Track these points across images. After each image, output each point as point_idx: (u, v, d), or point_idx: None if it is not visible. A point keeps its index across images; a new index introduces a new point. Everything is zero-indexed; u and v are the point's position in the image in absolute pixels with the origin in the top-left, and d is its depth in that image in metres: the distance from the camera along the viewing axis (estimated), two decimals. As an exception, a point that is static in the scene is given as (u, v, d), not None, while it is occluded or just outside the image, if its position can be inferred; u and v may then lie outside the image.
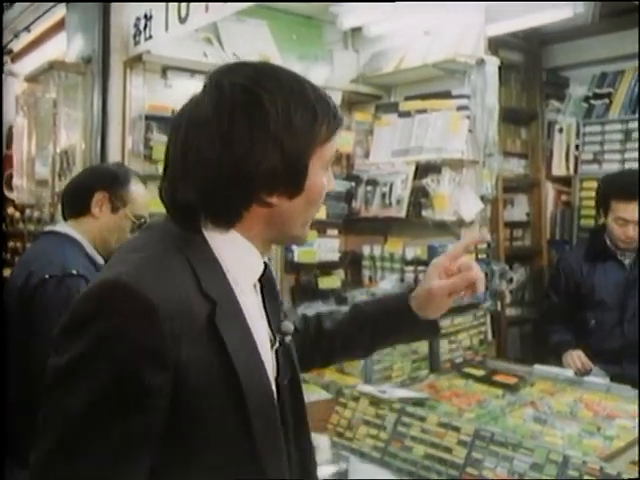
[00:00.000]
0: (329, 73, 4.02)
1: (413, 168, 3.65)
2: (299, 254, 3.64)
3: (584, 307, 3.46)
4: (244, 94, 1.12)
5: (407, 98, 3.95)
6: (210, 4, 2.68)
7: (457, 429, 2.48)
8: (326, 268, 3.89)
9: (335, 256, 3.86)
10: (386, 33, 3.97)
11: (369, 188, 3.83)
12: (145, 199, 2.47)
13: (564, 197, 4.73)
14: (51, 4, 3.92)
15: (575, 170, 4.53)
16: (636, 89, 4.28)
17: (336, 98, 3.88)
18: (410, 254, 3.68)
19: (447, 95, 3.70)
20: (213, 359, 1.07)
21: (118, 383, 0.99)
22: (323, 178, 1.22)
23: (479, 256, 3.48)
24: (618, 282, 3.39)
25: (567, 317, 3.52)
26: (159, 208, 1.24)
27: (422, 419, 2.57)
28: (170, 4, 2.92)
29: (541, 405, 2.80)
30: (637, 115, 4.21)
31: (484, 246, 3.52)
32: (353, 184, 3.87)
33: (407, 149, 3.78)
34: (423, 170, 3.64)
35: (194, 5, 2.78)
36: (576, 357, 3.33)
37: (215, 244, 1.17)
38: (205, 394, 1.06)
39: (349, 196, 3.85)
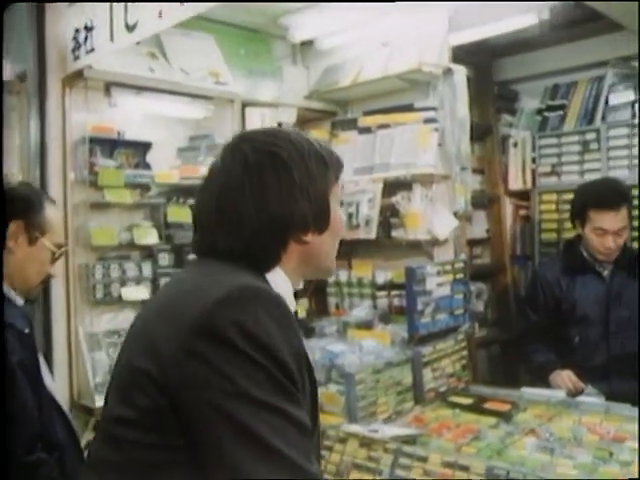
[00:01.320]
0: (279, 89, 3.78)
1: (380, 186, 3.43)
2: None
3: (566, 324, 3.29)
4: (266, 155, 1.32)
5: (366, 113, 3.75)
6: (164, 8, 2.39)
7: (465, 468, 2.24)
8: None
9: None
10: (339, 46, 3.78)
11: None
12: (61, 224, 2.21)
13: (522, 212, 4.61)
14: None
15: (533, 184, 4.42)
16: (591, 100, 4.21)
17: (290, 115, 3.66)
18: (381, 278, 3.46)
19: (409, 108, 3.53)
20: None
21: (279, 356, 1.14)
22: (340, 212, 1.46)
23: (457, 276, 3.28)
24: (599, 295, 3.24)
25: (548, 335, 3.34)
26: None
27: (423, 459, 2.32)
28: (116, 12, 2.63)
29: (542, 432, 2.60)
30: (593, 125, 4.14)
31: (461, 265, 3.32)
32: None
33: (371, 166, 3.57)
34: (392, 187, 3.43)
35: (144, 11, 2.49)
36: (566, 377, 3.15)
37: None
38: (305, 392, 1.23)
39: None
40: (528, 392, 3.07)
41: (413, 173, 3.35)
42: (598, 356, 3.20)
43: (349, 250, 3.74)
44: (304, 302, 3.68)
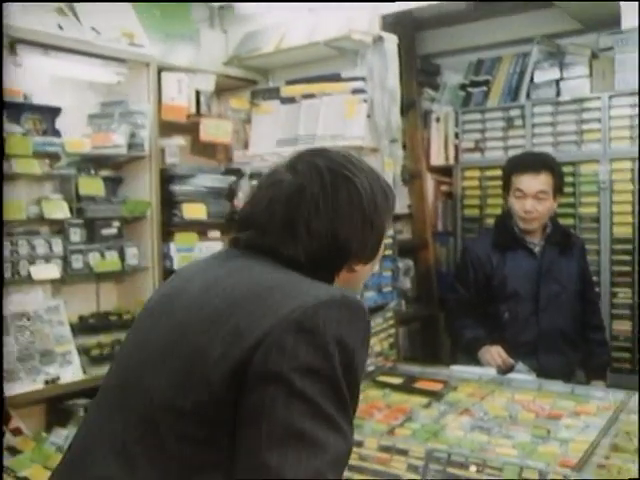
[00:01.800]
0: (197, 54, 3.54)
1: (305, 158, 3.26)
2: (179, 261, 3.15)
3: (496, 299, 3.24)
4: (342, 179, 1.34)
5: (289, 82, 3.56)
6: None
7: (404, 452, 2.14)
8: (209, 275, 3.42)
9: (219, 261, 3.39)
10: (261, 10, 3.56)
11: (254, 182, 3.41)
12: None
13: (444, 187, 4.55)
14: None
15: (456, 159, 4.36)
16: (515, 76, 4.17)
17: (208, 82, 3.45)
18: (304, 254, 3.30)
19: (337, 78, 3.36)
20: None
21: (360, 373, 1.20)
22: (383, 246, 1.48)
23: (385, 253, 3.16)
24: (530, 271, 3.20)
25: (478, 311, 3.29)
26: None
27: (358, 444, 2.20)
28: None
29: (476, 411, 2.54)
30: (517, 102, 4.11)
31: (389, 241, 3.22)
32: (234, 178, 3.42)
33: (295, 138, 3.40)
34: (317, 160, 3.26)
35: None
36: (495, 353, 3.11)
37: None
38: None
39: (231, 192, 3.40)
40: (458, 370, 3.02)
41: (341, 145, 3.20)
42: (528, 332, 3.18)
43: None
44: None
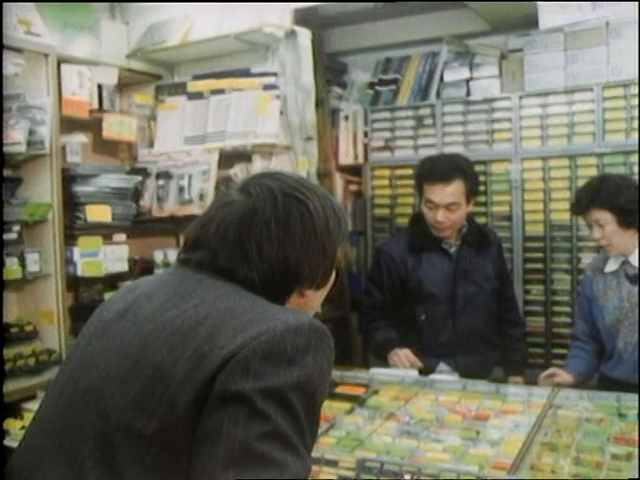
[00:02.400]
0: (97, 46, 3.33)
1: (216, 157, 3.13)
2: (83, 267, 2.95)
3: (412, 302, 3.19)
4: (295, 201, 1.31)
5: (196, 77, 3.41)
6: None
7: (334, 463, 2.04)
8: (113, 281, 3.22)
9: (124, 266, 3.20)
10: (166, 1, 3.39)
11: (161, 182, 3.25)
12: None
13: (353, 187, 4.49)
14: None
15: (365, 158, 4.31)
16: (424, 75, 4.16)
17: (111, 76, 3.26)
18: (217, 257, 3.16)
19: (246, 73, 3.24)
20: None
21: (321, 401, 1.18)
22: (334, 272, 1.44)
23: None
24: (446, 273, 3.16)
25: (392, 314, 3.23)
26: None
27: (283, 456, 2.08)
28: None
29: (401, 416, 2.45)
30: (427, 101, 4.10)
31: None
32: (140, 178, 3.24)
33: (204, 135, 3.26)
34: (228, 159, 3.15)
35: None
36: (403, 356, 3.05)
37: None
38: None
39: (137, 193, 3.22)
40: (379, 372, 2.93)
41: (253, 143, 3.08)
42: (444, 334, 3.14)
43: (178, 227, 3.41)
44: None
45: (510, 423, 2.31)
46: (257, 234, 1.28)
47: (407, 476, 1.96)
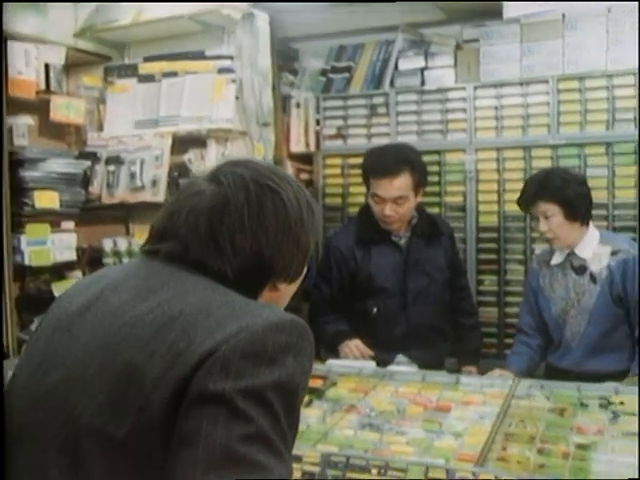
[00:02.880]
0: (43, 23, 3.18)
1: (169, 142, 3.04)
2: (31, 255, 2.82)
3: (362, 296, 3.15)
4: (269, 191, 1.26)
5: (147, 59, 3.30)
6: None
7: (297, 458, 1.99)
8: (61, 270, 3.10)
9: (72, 254, 3.08)
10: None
11: (111, 168, 3.14)
12: None
13: (304, 175, 4.43)
14: None
15: (317, 146, 4.26)
16: (378, 64, 4.13)
17: (58, 56, 3.12)
18: (168, 245, 3.07)
19: (200, 56, 3.16)
20: None
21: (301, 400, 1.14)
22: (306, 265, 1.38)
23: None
24: (396, 266, 3.13)
25: (342, 308, 3.19)
26: None
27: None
28: None
29: (362, 408, 2.42)
30: (381, 90, 4.06)
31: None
32: (89, 163, 3.12)
33: (156, 119, 3.17)
34: (182, 144, 3.05)
35: None
36: (353, 346, 3.04)
37: None
38: None
39: (86, 179, 3.10)
40: (336, 364, 2.89)
41: (207, 128, 3.00)
42: (397, 327, 3.11)
43: (128, 215, 3.30)
44: (77, 275, 3.18)
45: (473, 414, 2.29)
46: (230, 225, 1.22)
47: (374, 470, 1.94)
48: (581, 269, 2.86)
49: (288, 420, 1.08)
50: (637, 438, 1.95)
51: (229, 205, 1.23)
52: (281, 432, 1.06)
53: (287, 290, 1.35)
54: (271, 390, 1.05)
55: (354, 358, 2.98)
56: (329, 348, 3.17)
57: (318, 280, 3.26)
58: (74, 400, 1.11)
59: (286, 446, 1.07)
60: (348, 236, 3.20)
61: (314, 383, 2.68)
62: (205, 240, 1.22)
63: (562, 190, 2.80)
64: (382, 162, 3.01)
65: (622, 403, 2.23)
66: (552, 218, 2.80)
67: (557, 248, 2.92)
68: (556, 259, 2.94)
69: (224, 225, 1.22)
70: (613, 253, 2.83)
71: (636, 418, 2.12)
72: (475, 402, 2.42)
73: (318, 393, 2.59)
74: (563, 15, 3.50)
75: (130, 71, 3.31)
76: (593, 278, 2.84)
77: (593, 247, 2.87)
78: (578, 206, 2.82)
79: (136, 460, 1.05)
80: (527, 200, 2.90)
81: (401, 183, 2.97)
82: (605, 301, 2.82)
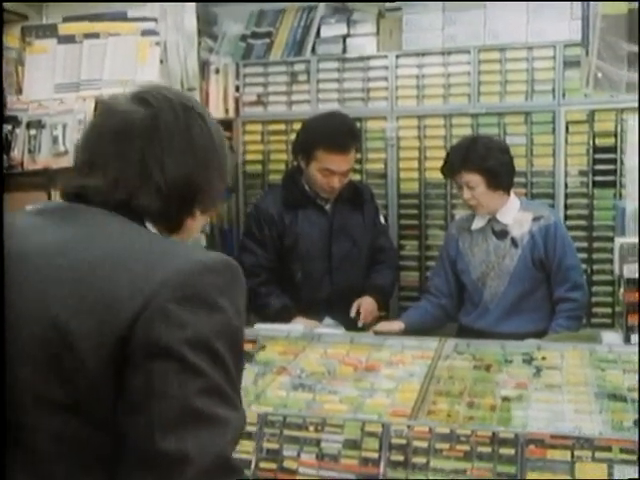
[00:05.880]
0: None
1: (92, 105, 2.95)
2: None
3: (288, 259, 3.19)
4: (195, 115, 1.23)
5: (66, 19, 3.19)
6: None
7: (232, 418, 2.02)
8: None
9: (-9, 221, 2.97)
10: None
11: (33, 132, 3.03)
12: None
13: (223, 142, 4.40)
14: None
15: (236, 113, 4.22)
16: (300, 30, 4.12)
17: (-30, 13, 2.96)
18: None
19: (122, 17, 3.08)
20: None
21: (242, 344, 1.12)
22: None
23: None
24: (321, 230, 3.18)
25: (276, 273, 3.20)
26: None
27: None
28: None
29: (292, 370, 2.46)
30: (302, 56, 4.06)
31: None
32: (10, 128, 3.01)
33: (77, 82, 3.09)
34: (105, 107, 2.96)
35: None
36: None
37: None
38: None
39: (7, 143, 2.99)
40: (264, 328, 2.92)
41: (131, 92, 2.93)
42: (322, 291, 3.17)
43: (49, 181, 3.21)
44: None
45: (402, 373, 2.37)
46: (160, 149, 1.18)
47: (311, 427, 1.99)
48: (502, 234, 2.99)
49: (236, 367, 1.06)
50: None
51: (159, 127, 1.18)
52: (232, 381, 1.04)
53: (199, 220, 1.30)
54: (216, 338, 1.01)
55: None
56: (275, 321, 3.06)
57: (250, 245, 3.21)
58: (14, 370, 1.02)
59: (238, 394, 1.07)
60: (275, 200, 3.21)
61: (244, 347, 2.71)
62: (136, 169, 1.16)
63: (485, 160, 2.90)
64: (339, 138, 3.02)
65: (544, 358, 2.35)
66: (476, 188, 2.90)
67: (479, 214, 3.03)
68: (476, 224, 3.06)
69: (155, 149, 1.17)
70: (535, 219, 2.97)
71: (558, 372, 2.26)
72: (403, 362, 2.49)
73: (248, 356, 2.60)
74: (486, -15, 3.60)
75: (49, 31, 3.20)
76: (514, 242, 2.97)
77: (514, 213, 2.99)
78: (501, 175, 2.93)
79: (85, 429, 1.00)
80: (451, 170, 2.99)
81: (352, 157, 3.07)
82: (525, 264, 2.97)
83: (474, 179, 2.89)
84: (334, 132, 3.05)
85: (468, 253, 3.08)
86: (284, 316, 3.06)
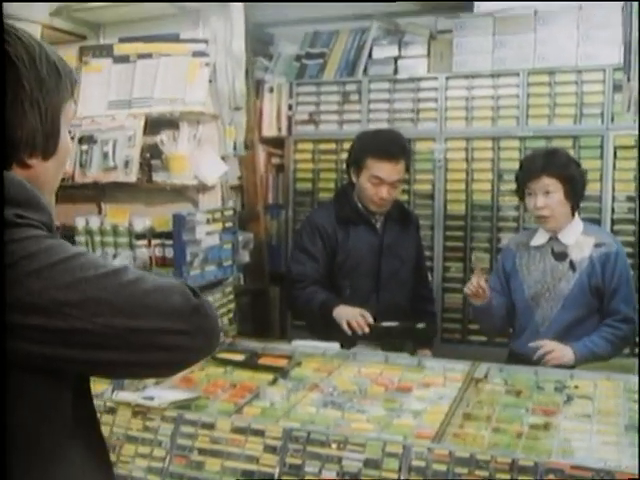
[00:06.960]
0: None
1: (142, 123, 3.05)
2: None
3: (338, 274, 3.19)
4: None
5: (122, 40, 3.31)
6: None
7: (260, 433, 2.05)
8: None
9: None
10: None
11: (84, 147, 3.14)
12: None
13: (275, 160, 4.47)
14: None
15: (289, 131, 4.29)
16: (352, 51, 4.17)
17: (34, 34, 3.09)
18: (140, 226, 3.09)
19: (175, 39, 3.17)
20: None
21: None
22: (68, 138, 1.24)
23: (226, 225, 3.04)
24: (372, 247, 3.19)
25: (323, 283, 3.17)
26: None
27: (209, 426, 2.09)
28: None
29: (325, 387, 2.48)
30: (354, 77, 4.11)
31: (230, 213, 3.09)
32: (64, 141, 3.12)
33: (129, 100, 3.17)
34: (154, 125, 3.07)
35: None
36: (350, 309, 2.97)
37: None
38: None
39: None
40: (301, 345, 2.94)
41: (180, 110, 3.02)
42: (368, 308, 3.12)
43: (99, 193, 3.31)
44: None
45: (432, 395, 2.37)
46: None
47: (334, 445, 2.00)
48: (561, 255, 2.89)
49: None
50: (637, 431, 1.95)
51: None
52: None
53: (45, 167, 1.17)
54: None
55: (355, 322, 2.90)
56: (322, 315, 3.05)
57: (300, 257, 3.21)
58: None
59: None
60: (329, 215, 3.23)
61: (278, 362, 2.74)
62: None
63: (567, 168, 2.85)
64: (385, 145, 3.08)
65: (577, 387, 2.31)
66: (553, 194, 2.82)
67: (544, 228, 2.95)
68: (537, 240, 2.96)
69: None
70: (597, 245, 2.86)
71: (589, 401, 2.21)
72: (435, 384, 2.49)
73: (282, 372, 2.64)
74: (535, 11, 3.59)
75: (105, 51, 3.31)
76: (573, 265, 2.86)
77: (577, 236, 2.90)
78: (579, 186, 2.87)
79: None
80: (529, 174, 2.89)
81: (402, 167, 3.08)
82: (581, 289, 2.85)
83: (553, 184, 2.80)
84: (383, 140, 3.13)
85: (524, 270, 2.98)
86: (329, 307, 3.01)
